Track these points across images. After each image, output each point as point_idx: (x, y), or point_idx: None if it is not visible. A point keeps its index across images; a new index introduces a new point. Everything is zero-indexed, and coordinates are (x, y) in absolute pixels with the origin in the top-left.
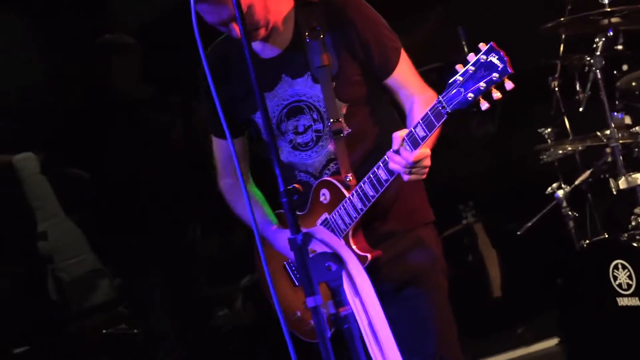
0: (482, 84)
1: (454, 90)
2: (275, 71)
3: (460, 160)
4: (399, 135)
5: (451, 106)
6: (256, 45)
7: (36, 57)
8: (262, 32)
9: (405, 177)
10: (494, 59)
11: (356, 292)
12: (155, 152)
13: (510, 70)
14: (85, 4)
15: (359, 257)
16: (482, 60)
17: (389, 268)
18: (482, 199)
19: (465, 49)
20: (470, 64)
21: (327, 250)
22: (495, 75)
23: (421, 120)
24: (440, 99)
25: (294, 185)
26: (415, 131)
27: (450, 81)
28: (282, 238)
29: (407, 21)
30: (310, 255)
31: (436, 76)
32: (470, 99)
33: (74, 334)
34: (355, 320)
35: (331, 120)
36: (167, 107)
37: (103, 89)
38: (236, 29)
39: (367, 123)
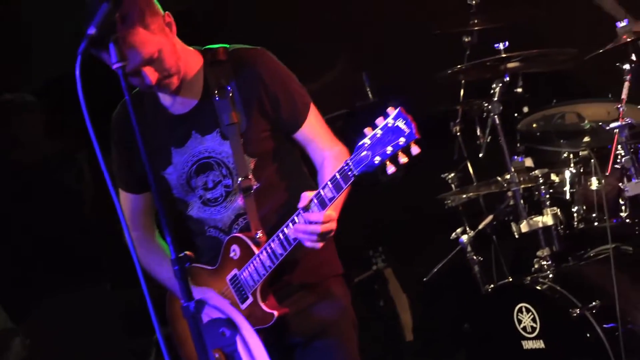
0: (389, 148)
1: (363, 154)
2: (185, 127)
3: (368, 205)
4: (307, 194)
5: (358, 169)
6: (166, 101)
7: None
8: (175, 80)
9: (309, 245)
10: (401, 123)
11: (251, 356)
12: (63, 211)
13: (416, 135)
14: None
15: (265, 314)
16: (389, 125)
17: (299, 321)
18: (391, 244)
19: (370, 95)
20: (378, 128)
21: (221, 316)
22: (401, 139)
23: (329, 181)
24: (349, 161)
25: (185, 252)
26: (323, 193)
27: (358, 144)
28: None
29: (312, 68)
30: (204, 321)
31: (342, 123)
32: (377, 162)
33: None
34: None
35: (241, 177)
36: (73, 164)
37: (8, 149)
38: (149, 73)
39: (275, 178)
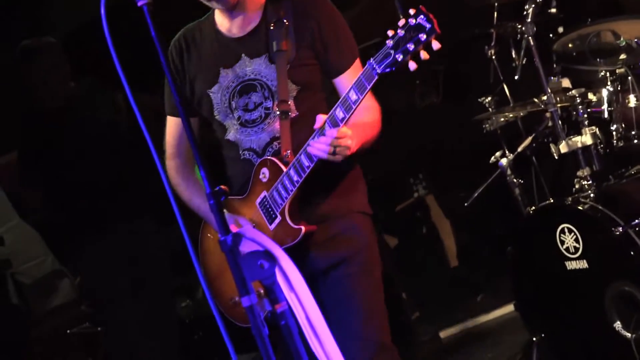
0: (411, 45)
1: (385, 53)
2: (236, 49)
3: (406, 133)
4: (322, 116)
5: (381, 67)
6: (223, 26)
7: None
8: None
9: (324, 157)
10: (422, 21)
11: (291, 287)
12: (100, 151)
13: (437, 30)
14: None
15: (293, 230)
16: (411, 23)
17: (322, 248)
18: (432, 171)
19: None
20: (400, 27)
21: (259, 248)
22: (422, 35)
23: (354, 84)
24: (372, 60)
25: (221, 187)
26: (335, 113)
27: (382, 46)
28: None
29: None
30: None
31: (375, 52)
32: (399, 59)
33: (38, 336)
34: (293, 316)
35: (280, 100)
36: (105, 104)
37: (33, 94)
38: None
39: (314, 109)
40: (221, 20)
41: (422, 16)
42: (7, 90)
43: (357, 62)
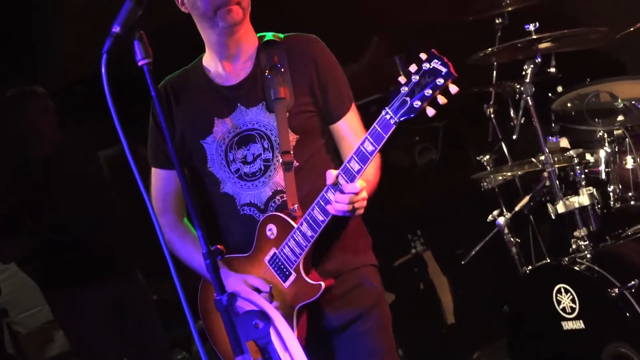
0: (428, 91)
1: (401, 100)
2: (230, 99)
3: (405, 189)
4: (332, 171)
5: (398, 115)
6: (214, 73)
7: None
8: (240, 12)
9: (346, 214)
10: (437, 65)
11: (285, 348)
12: (88, 200)
13: (454, 74)
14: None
15: (312, 286)
16: (425, 68)
17: (337, 304)
18: (430, 227)
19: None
20: (414, 73)
21: (254, 308)
22: (440, 80)
23: (369, 134)
24: (387, 109)
25: (217, 246)
26: (349, 165)
27: (393, 94)
28: (225, 278)
29: (344, 54)
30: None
31: (376, 108)
32: (417, 106)
33: None
34: None
35: (282, 152)
36: (92, 150)
37: (19, 142)
38: (235, 10)
39: (315, 158)
40: (212, 67)
41: (436, 60)
42: None
43: (354, 106)
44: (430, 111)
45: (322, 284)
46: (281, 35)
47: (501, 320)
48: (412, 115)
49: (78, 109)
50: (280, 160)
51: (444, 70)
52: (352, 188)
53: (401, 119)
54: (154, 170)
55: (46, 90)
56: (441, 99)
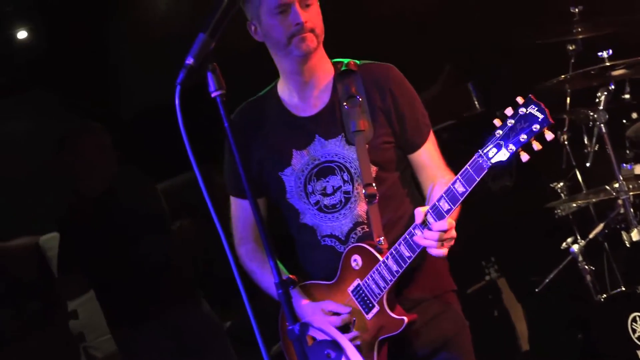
0: (523, 136)
1: (494, 144)
2: (308, 130)
3: (479, 216)
4: (421, 209)
5: (493, 159)
6: (290, 104)
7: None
8: (314, 40)
9: (434, 252)
10: (533, 110)
11: None
12: (150, 232)
13: (551, 121)
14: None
15: (395, 321)
16: (521, 113)
17: (423, 333)
18: (504, 254)
19: (477, 105)
20: (509, 117)
21: (326, 338)
22: (536, 126)
23: (460, 175)
24: (481, 152)
25: (289, 276)
26: (439, 204)
27: (490, 136)
28: (302, 305)
29: (416, 82)
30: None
31: (447, 135)
32: (511, 151)
33: None
34: None
35: (364, 184)
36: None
37: (77, 177)
38: (300, 12)
39: (395, 188)
40: (287, 96)
41: (533, 105)
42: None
43: (432, 134)
44: (525, 157)
45: (405, 319)
46: (357, 62)
47: (575, 348)
48: (504, 161)
49: (140, 141)
50: (363, 192)
51: (540, 116)
52: (442, 225)
53: (496, 163)
54: (232, 199)
55: (102, 125)
56: (536, 145)
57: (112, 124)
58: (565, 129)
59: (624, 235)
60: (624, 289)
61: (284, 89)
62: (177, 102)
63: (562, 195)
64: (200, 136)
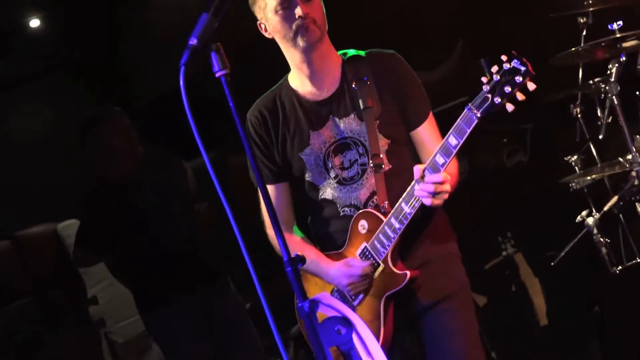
0: (507, 88)
1: (482, 97)
2: (323, 112)
3: (495, 191)
4: (419, 166)
5: (481, 111)
6: (304, 91)
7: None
8: (317, 31)
9: (428, 202)
10: (516, 64)
11: (368, 353)
12: (176, 211)
13: (532, 72)
14: None
15: (398, 276)
16: (505, 68)
17: (425, 288)
18: (520, 229)
19: None
20: (495, 72)
21: (336, 314)
22: (518, 78)
23: (453, 130)
24: (470, 105)
25: (297, 254)
26: (435, 159)
27: (479, 92)
28: (327, 271)
29: (430, 58)
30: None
31: (460, 112)
32: (497, 102)
33: None
34: None
35: (373, 154)
36: (177, 163)
37: (100, 160)
38: (301, 5)
39: (405, 161)
40: (300, 86)
41: (515, 60)
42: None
43: (432, 116)
44: (510, 107)
45: (408, 273)
46: (362, 53)
47: (592, 322)
48: (492, 111)
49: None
50: (370, 162)
51: (522, 69)
52: (436, 177)
53: (484, 114)
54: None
55: (119, 108)
56: (520, 96)
57: (129, 110)
58: (577, 102)
59: (638, 207)
60: (639, 260)
61: (296, 80)
62: (181, 82)
63: (577, 168)
64: (219, 119)
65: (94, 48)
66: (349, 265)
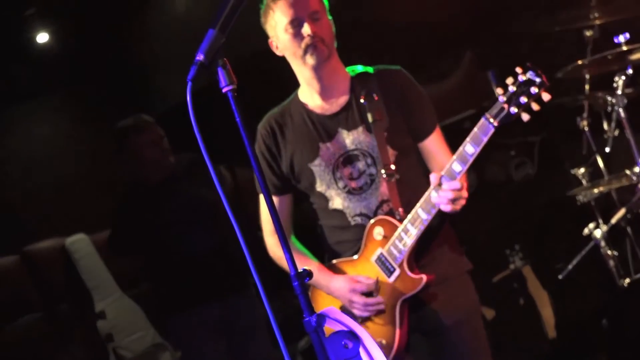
0: (523, 98)
1: (499, 107)
2: (332, 124)
3: (502, 204)
4: (436, 174)
5: (498, 119)
6: (314, 105)
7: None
8: (325, 51)
9: (448, 208)
10: (531, 76)
11: None
12: (199, 224)
13: (546, 83)
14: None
15: (414, 280)
16: (521, 79)
17: (441, 308)
18: (527, 242)
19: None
20: (510, 84)
21: (343, 328)
22: (533, 89)
23: (470, 138)
24: (487, 114)
25: (304, 268)
26: (451, 167)
27: (494, 101)
28: (333, 283)
29: (437, 71)
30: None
31: (469, 124)
32: (513, 112)
33: None
34: None
35: (384, 164)
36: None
37: (133, 170)
38: (310, 26)
39: (413, 170)
40: (310, 101)
41: (531, 72)
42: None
43: (438, 128)
44: (525, 116)
45: (424, 277)
46: (370, 69)
47: (601, 334)
48: (508, 120)
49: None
50: (382, 172)
51: (537, 80)
52: (455, 184)
53: (500, 124)
54: (262, 196)
55: (153, 119)
56: (535, 106)
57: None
58: (584, 115)
59: None
60: None
61: (306, 95)
62: (188, 98)
63: (584, 181)
64: (228, 133)
65: (98, 63)
66: (354, 281)
